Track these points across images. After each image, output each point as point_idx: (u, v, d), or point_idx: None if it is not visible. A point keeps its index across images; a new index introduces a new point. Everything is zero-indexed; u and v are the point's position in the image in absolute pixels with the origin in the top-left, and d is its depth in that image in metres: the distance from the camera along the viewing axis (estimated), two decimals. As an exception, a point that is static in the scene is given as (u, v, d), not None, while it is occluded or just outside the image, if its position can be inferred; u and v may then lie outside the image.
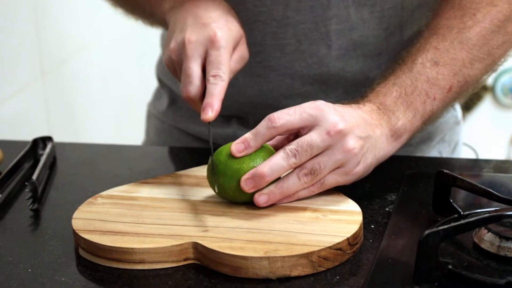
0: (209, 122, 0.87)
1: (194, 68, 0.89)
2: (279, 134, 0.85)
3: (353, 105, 0.89)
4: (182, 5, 0.95)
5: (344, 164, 0.84)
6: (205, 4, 0.94)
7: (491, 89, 2.70)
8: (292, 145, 0.83)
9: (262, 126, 0.84)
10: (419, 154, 1.14)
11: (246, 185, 0.83)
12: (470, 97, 2.87)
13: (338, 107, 0.86)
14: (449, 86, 0.92)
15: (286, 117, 0.83)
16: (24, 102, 1.46)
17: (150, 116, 1.25)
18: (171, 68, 0.94)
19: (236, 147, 0.84)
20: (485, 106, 2.72)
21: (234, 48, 0.92)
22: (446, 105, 0.94)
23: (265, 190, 0.83)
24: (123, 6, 1.09)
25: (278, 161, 0.83)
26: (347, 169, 0.85)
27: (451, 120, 1.18)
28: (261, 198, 0.83)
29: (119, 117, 1.95)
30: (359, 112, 0.87)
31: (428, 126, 0.94)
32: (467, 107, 2.71)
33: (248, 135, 0.84)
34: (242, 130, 1.11)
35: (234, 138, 1.11)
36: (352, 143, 0.84)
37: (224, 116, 1.12)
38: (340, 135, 0.83)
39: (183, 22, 0.92)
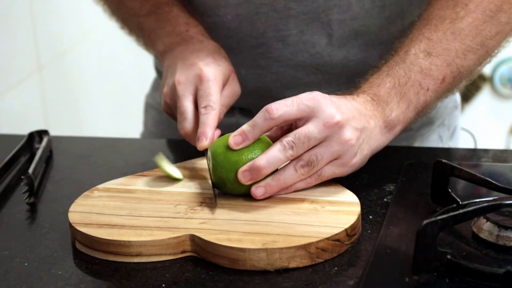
0: (205, 150, 0.89)
1: (187, 105, 0.92)
2: (276, 126, 0.84)
3: (347, 96, 0.88)
4: (172, 50, 0.99)
5: (341, 156, 0.84)
6: (192, 46, 0.98)
7: (489, 80, 2.69)
8: (289, 137, 0.82)
9: (259, 117, 0.83)
10: (420, 138, 1.14)
11: (244, 177, 0.82)
12: (468, 87, 2.88)
13: (334, 99, 0.85)
14: (442, 76, 0.91)
15: (283, 108, 0.83)
16: (21, 95, 1.46)
17: (148, 107, 1.25)
18: (169, 112, 0.98)
19: (234, 139, 0.84)
20: (484, 97, 2.72)
21: (225, 84, 0.95)
22: (440, 96, 0.93)
23: (262, 183, 0.83)
24: (119, 22, 1.11)
25: (275, 154, 0.82)
26: (344, 160, 0.84)
27: (450, 104, 1.18)
28: (258, 191, 0.83)
29: (117, 109, 1.95)
30: (354, 103, 0.87)
31: (421, 117, 0.94)
32: (466, 98, 2.70)
33: (245, 127, 0.84)
34: (245, 119, 1.11)
35: (236, 127, 1.11)
36: (349, 134, 0.83)
37: None
38: (337, 127, 0.83)
39: (173, 67, 0.96)
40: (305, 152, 0.83)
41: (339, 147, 0.83)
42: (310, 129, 0.82)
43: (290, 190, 0.85)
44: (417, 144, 1.14)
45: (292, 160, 0.83)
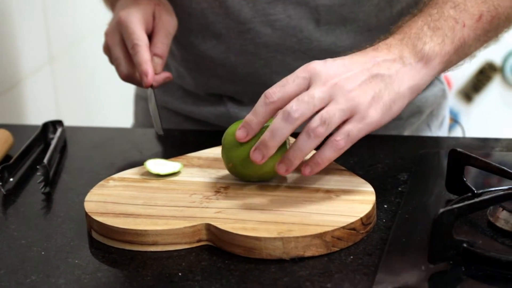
0: (151, 86, 0.97)
1: (117, 52, 1.00)
2: (279, 108, 0.81)
3: (367, 49, 0.85)
4: (115, 6, 1.05)
5: (354, 111, 0.80)
6: None
7: (500, 70, 2.69)
8: (291, 103, 0.79)
9: (259, 104, 0.81)
10: (409, 127, 1.13)
11: (254, 157, 0.80)
12: (479, 77, 2.85)
13: (333, 60, 0.82)
14: (479, 13, 0.87)
15: (279, 89, 0.80)
16: (33, 86, 1.46)
17: (138, 99, 1.26)
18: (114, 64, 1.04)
19: (238, 134, 0.82)
20: (494, 87, 2.71)
21: (154, 19, 1.00)
22: (478, 36, 0.88)
23: (282, 158, 0.80)
24: None
25: (278, 124, 0.79)
26: (361, 114, 0.80)
27: (439, 93, 1.17)
28: (280, 167, 0.81)
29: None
30: (370, 54, 0.83)
31: (462, 58, 0.88)
32: (477, 88, 2.69)
33: (248, 118, 0.82)
34: (235, 108, 1.11)
35: (227, 116, 1.11)
36: (351, 86, 0.79)
37: (217, 95, 1.12)
38: (337, 86, 0.79)
39: (110, 21, 1.04)
40: (312, 115, 0.79)
41: (347, 102, 0.79)
42: (311, 90, 0.79)
43: (323, 164, 0.80)
44: (406, 133, 1.13)
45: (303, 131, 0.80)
